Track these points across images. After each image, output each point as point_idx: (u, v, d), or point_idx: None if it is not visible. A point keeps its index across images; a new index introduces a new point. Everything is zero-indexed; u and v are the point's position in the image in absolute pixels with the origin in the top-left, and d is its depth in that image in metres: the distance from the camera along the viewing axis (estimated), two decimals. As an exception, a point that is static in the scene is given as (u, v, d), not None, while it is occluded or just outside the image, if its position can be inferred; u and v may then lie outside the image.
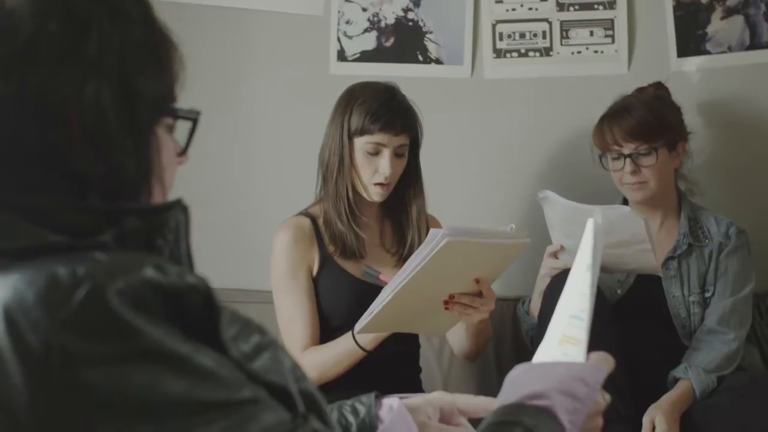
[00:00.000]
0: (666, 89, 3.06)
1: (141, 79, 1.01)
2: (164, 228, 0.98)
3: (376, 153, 2.63)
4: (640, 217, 2.68)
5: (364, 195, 2.68)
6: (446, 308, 2.40)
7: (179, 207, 1.01)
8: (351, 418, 1.40)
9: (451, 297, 2.39)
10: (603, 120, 2.98)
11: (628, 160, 2.91)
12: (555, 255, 2.79)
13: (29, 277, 0.86)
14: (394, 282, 2.28)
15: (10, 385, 0.84)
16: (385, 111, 2.62)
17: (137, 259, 0.90)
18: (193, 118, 1.08)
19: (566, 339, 1.29)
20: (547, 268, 2.80)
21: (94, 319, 0.84)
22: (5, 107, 0.94)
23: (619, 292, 2.96)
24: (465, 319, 2.47)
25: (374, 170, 2.63)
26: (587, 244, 1.32)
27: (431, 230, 2.23)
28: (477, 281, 2.38)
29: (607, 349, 1.29)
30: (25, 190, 0.94)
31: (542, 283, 2.82)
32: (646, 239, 2.68)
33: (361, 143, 2.63)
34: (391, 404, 1.41)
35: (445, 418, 1.42)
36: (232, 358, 0.92)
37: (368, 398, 1.43)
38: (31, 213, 0.92)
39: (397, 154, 2.65)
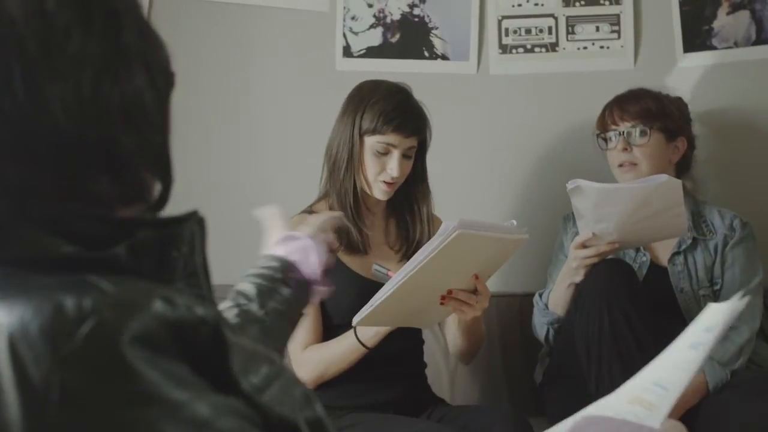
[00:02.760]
0: (682, 101, 3.11)
1: (157, 53, 1.01)
2: (178, 240, 0.97)
3: (385, 153, 2.64)
4: (676, 180, 2.70)
5: (370, 192, 2.69)
6: (442, 303, 2.42)
7: (194, 219, 1.00)
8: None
9: (449, 292, 2.41)
10: (607, 104, 3.05)
11: (620, 137, 2.96)
12: (583, 246, 2.76)
13: (35, 305, 0.84)
14: (400, 274, 2.29)
15: (8, 418, 0.82)
16: (399, 113, 2.64)
17: (145, 292, 0.88)
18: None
19: (638, 400, 1.28)
20: (579, 259, 2.74)
21: (96, 357, 0.83)
22: (61, 110, 0.92)
23: None
24: (459, 315, 2.50)
25: (381, 169, 2.65)
26: (702, 326, 1.31)
27: (444, 223, 2.25)
28: (476, 277, 2.40)
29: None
30: (50, 194, 0.92)
31: (570, 276, 2.80)
32: (681, 203, 2.71)
33: (372, 142, 2.64)
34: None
35: None
36: (243, 391, 0.91)
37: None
38: (45, 222, 0.91)
39: (405, 156, 2.66)
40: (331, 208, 2.70)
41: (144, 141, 0.97)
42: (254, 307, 1.56)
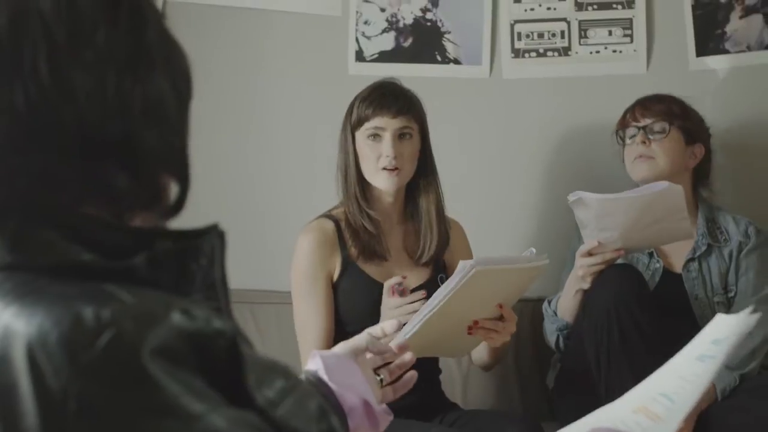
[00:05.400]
0: (702, 117, 3.12)
1: (178, 59, 1.01)
2: (197, 252, 0.96)
3: (377, 139, 2.65)
4: (677, 186, 2.70)
5: (375, 185, 2.68)
6: (469, 333, 2.40)
7: (215, 232, 0.99)
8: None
9: (475, 322, 2.40)
10: (630, 105, 3.07)
11: (640, 131, 2.98)
12: (588, 254, 2.76)
13: (55, 315, 0.84)
14: (422, 312, 2.28)
15: (26, 427, 0.82)
16: (378, 95, 2.67)
17: (163, 303, 0.88)
18: None
19: (643, 410, 1.26)
20: (585, 267, 2.74)
21: (115, 368, 0.83)
22: (94, 103, 0.93)
23: None
24: (488, 342, 2.49)
25: (378, 156, 2.64)
26: (710, 338, 1.29)
27: (460, 262, 2.25)
28: (500, 306, 2.39)
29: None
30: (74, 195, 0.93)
31: (578, 284, 2.80)
32: (683, 208, 2.71)
33: (362, 132, 2.66)
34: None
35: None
36: (257, 406, 0.91)
37: None
38: (65, 228, 0.91)
39: (400, 135, 2.65)
40: (347, 214, 2.69)
41: (164, 141, 0.97)
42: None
